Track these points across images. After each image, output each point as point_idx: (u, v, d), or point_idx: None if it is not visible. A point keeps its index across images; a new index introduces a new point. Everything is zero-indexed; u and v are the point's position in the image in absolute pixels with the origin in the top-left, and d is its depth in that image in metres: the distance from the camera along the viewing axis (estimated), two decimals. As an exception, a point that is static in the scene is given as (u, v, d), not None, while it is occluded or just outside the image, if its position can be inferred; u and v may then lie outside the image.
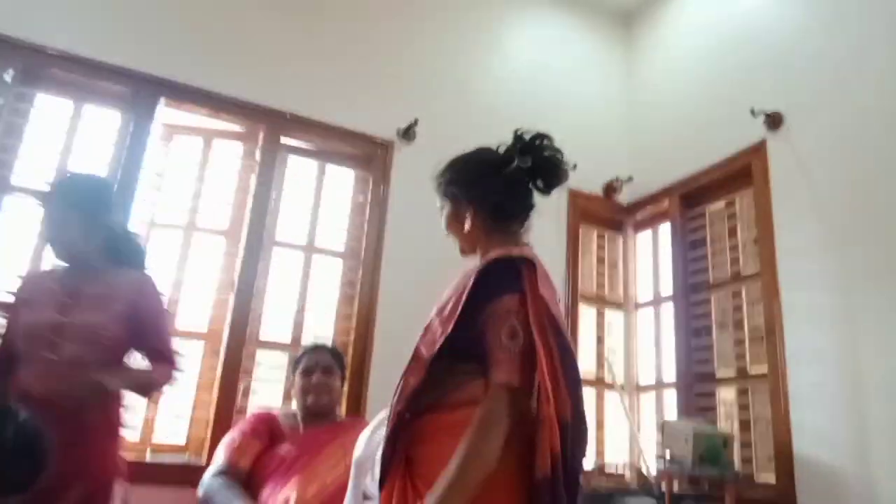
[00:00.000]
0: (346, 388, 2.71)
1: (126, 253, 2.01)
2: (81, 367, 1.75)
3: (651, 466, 3.14)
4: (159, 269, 2.67)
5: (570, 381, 1.32)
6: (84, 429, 1.73)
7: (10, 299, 1.90)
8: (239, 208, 2.90)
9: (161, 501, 2.35)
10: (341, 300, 2.99)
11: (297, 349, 2.55)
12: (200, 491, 2.09)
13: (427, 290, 1.75)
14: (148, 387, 1.93)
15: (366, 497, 1.74)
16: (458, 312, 1.34)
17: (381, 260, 2.97)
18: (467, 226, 1.51)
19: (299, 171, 3.09)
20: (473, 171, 1.53)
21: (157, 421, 2.63)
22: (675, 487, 2.84)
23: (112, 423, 1.85)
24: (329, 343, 2.62)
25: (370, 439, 1.77)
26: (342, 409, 2.71)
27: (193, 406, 2.68)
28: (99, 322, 1.83)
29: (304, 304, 2.94)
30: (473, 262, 1.45)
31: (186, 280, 2.79)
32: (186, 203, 2.86)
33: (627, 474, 3.31)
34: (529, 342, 1.30)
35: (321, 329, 2.93)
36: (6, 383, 1.76)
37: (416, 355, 1.39)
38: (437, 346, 1.34)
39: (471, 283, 1.35)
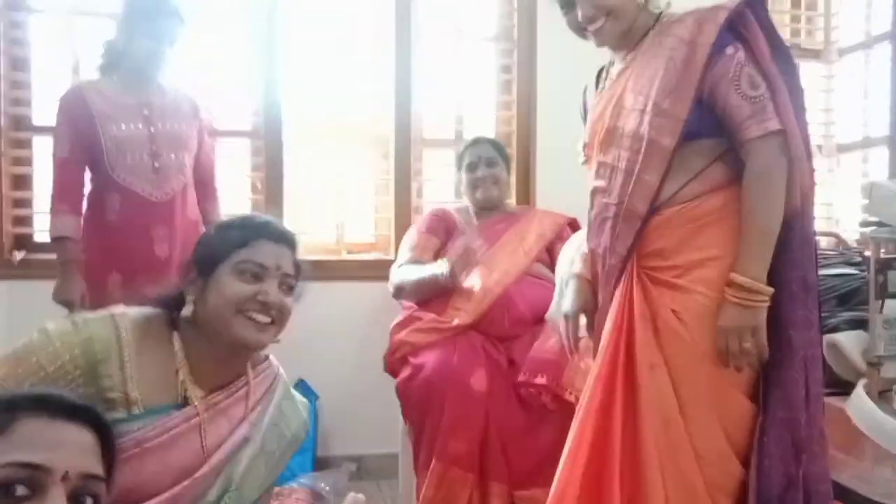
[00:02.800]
0: (513, 180, 2.70)
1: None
2: (181, 172, 2.09)
3: (852, 233, 2.88)
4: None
5: (803, 123, 1.32)
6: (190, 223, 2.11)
7: (79, 112, 2.01)
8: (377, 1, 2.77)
9: (359, 293, 2.62)
10: (498, 88, 2.88)
11: (461, 144, 2.53)
12: (393, 281, 2.28)
13: (588, 67, 1.60)
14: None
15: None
16: (695, 84, 1.28)
17: (536, 39, 2.75)
18: None
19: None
20: None
21: (346, 224, 2.85)
22: (882, 253, 2.59)
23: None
24: (490, 135, 2.58)
25: (574, 258, 1.69)
26: (512, 200, 2.73)
27: (375, 207, 2.85)
28: (183, 130, 2.11)
29: (461, 96, 2.87)
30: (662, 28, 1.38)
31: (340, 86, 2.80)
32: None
33: (822, 242, 3.08)
34: (770, 86, 1.28)
35: (482, 121, 2.87)
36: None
37: (648, 148, 1.31)
38: (679, 131, 1.29)
39: (708, 41, 1.28)
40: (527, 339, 2.03)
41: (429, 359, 1.98)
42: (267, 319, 1.17)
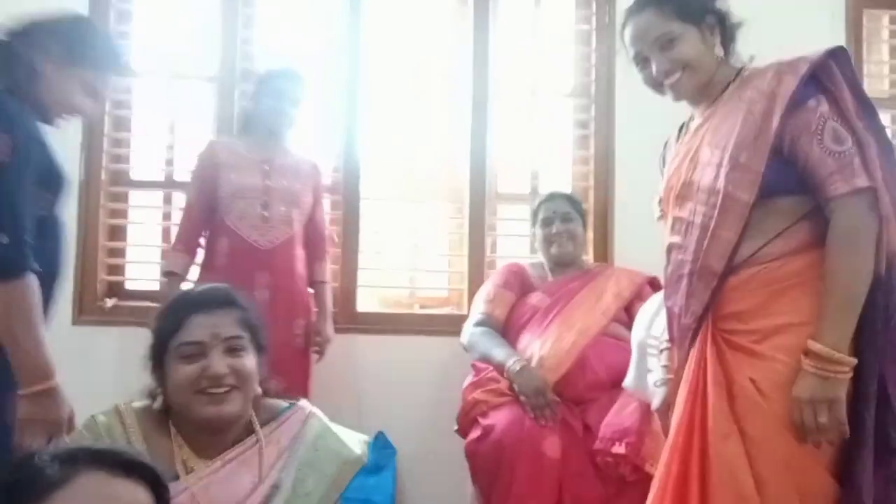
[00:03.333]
0: (590, 235, 2.63)
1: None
2: (287, 224, 2.22)
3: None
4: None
5: (893, 181, 1.23)
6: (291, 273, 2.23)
7: (207, 162, 2.24)
8: (454, 58, 2.81)
9: (431, 348, 2.59)
10: (575, 143, 2.84)
11: (536, 199, 2.50)
12: (464, 339, 2.25)
13: (667, 123, 1.55)
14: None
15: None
16: (773, 136, 1.22)
17: (615, 94, 2.72)
18: (717, 49, 1.36)
19: (512, 8, 2.86)
20: None
21: (420, 279, 2.85)
22: None
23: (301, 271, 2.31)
24: (566, 190, 2.53)
25: (652, 321, 1.68)
26: (589, 257, 2.65)
27: (448, 262, 2.83)
28: (297, 188, 2.27)
29: (537, 151, 2.85)
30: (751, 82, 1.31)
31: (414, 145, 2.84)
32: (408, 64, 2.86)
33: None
34: (857, 140, 1.20)
35: (557, 177, 2.83)
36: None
37: (724, 202, 1.25)
38: (757, 185, 1.23)
39: (788, 92, 1.22)
40: (604, 402, 1.93)
41: (499, 420, 1.90)
42: (223, 389, 1.19)
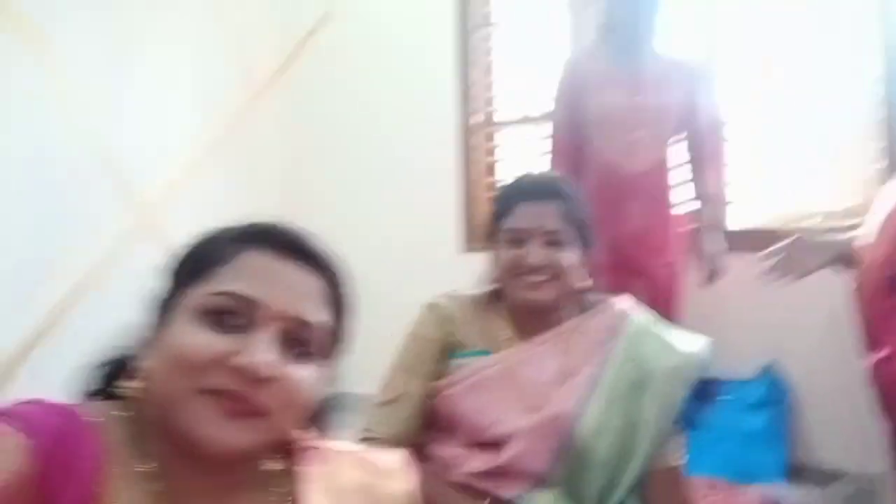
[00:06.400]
0: None
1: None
2: (655, 146, 2.03)
3: None
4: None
5: None
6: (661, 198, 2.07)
7: (566, 86, 2.10)
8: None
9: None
10: None
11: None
12: None
13: None
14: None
15: None
16: None
17: None
18: None
19: None
20: None
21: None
22: None
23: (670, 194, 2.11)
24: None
25: None
26: None
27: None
28: (664, 103, 2.02)
29: None
30: None
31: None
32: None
33: None
34: None
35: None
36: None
37: None
38: None
39: None
40: None
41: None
42: (539, 278, 1.20)
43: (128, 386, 0.65)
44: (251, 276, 0.64)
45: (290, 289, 0.64)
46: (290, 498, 0.68)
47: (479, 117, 2.86)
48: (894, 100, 2.11)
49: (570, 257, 1.24)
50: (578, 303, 1.30)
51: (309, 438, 0.70)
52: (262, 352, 0.60)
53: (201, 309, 0.62)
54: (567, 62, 2.19)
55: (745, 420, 2.12)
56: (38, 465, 0.55)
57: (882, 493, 1.70)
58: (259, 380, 0.59)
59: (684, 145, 2.11)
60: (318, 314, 0.66)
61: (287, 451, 0.69)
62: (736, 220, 2.36)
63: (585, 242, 1.29)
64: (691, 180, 2.13)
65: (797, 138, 2.36)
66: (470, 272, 2.62)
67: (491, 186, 2.88)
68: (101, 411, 0.64)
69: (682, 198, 2.14)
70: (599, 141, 2.03)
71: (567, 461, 1.19)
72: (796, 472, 2.08)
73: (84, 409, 0.64)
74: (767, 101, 2.40)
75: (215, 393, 0.59)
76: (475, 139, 2.86)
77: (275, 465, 0.69)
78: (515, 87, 2.86)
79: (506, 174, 2.88)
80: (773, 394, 2.16)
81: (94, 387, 0.69)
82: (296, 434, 0.68)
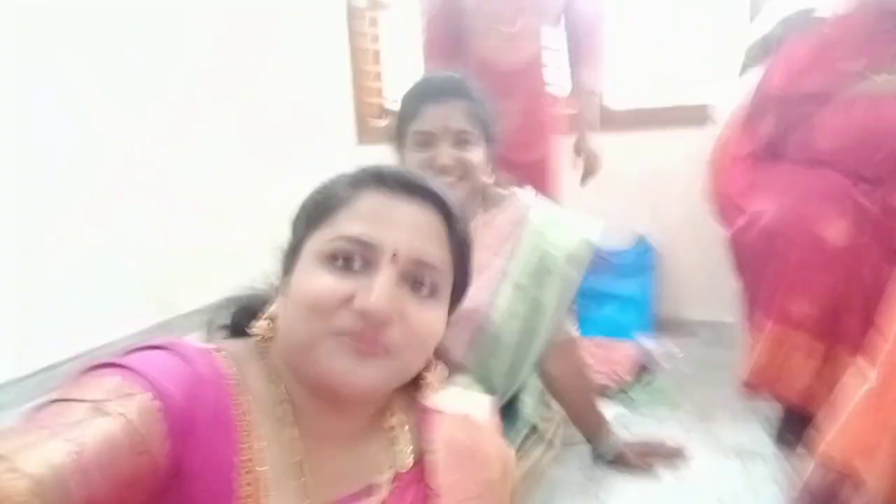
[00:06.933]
0: None
1: None
2: (533, 38, 1.90)
3: None
4: None
5: None
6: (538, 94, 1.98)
7: None
8: None
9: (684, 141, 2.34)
10: None
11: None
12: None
13: None
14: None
15: None
16: None
17: None
18: None
19: None
20: None
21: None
22: None
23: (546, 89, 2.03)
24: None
25: None
26: None
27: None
28: None
29: None
30: None
31: None
32: None
33: None
34: None
35: None
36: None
37: None
38: None
39: None
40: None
41: (769, 205, 1.64)
42: (449, 179, 1.25)
43: (260, 327, 0.66)
44: (368, 218, 0.64)
45: (407, 228, 0.64)
46: (412, 455, 0.70)
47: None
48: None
49: (477, 155, 1.29)
50: (484, 198, 1.38)
51: (432, 381, 0.71)
52: (380, 293, 0.60)
53: (324, 254, 0.63)
54: None
55: (621, 285, 2.37)
56: (170, 427, 0.55)
57: (734, 338, 2.00)
58: (381, 320, 0.60)
59: (563, 35, 2.03)
60: (436, 252, 0.65)
61: (409, 408, 0.72)
62: (614, 99, 2.48)
63: (490, 139, 1.35)
64: (569, 75, 2.07)
65: (673, 20, 2.48)
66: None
67: (378, 76, 2.83)
68: (235, 353, 0.65)
69: (558, 91, 2.08)
70: (476, 35, 1.92)
71: (479, 348, 1.31)
72: (663, 326, 2.37)
73: (217, 353, 0.64)
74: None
75: (342, 334, 0.60)
76: (359, 24, 2.75)
77: (399, 420, 0.71)
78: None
79: (393, 64, 2.83)
80: (644, 260, 2.42)
81: (226, 327, 0.72)
82: (423, 372, 0.69)
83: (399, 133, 1.34)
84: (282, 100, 2.80)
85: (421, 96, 1.31)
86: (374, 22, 2.80)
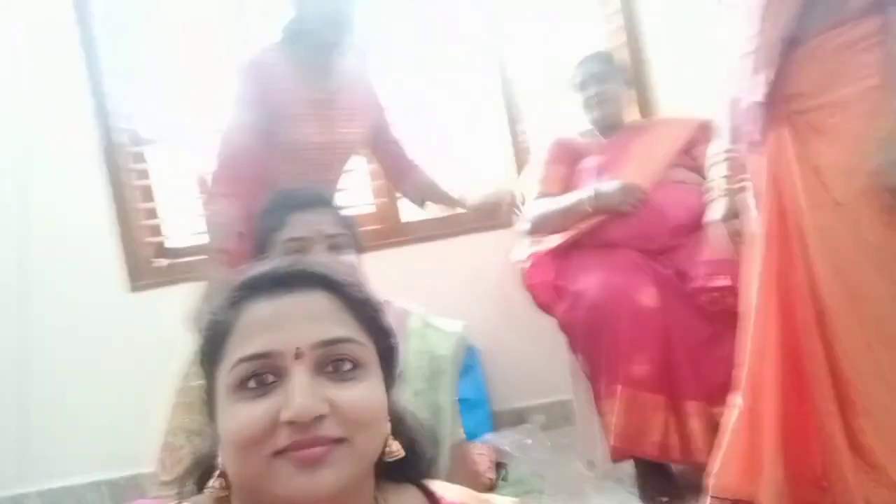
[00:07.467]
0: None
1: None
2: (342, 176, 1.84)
3: None
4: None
5: None
6: None
7: (248, 90, 1.63)
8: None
9: (486, 245, 2.51)
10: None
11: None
12: (532, 216, 2.12)
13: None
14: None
15: None
16: None
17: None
18: None
19: None
20: None
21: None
22: None
23: None
24: (600, 49, 2.42)
25: None
26: (636, 115, 2.54)
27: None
28: (357, 137, 1.80)
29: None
30: None
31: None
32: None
33: None
34: None
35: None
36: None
37: None
38: None
39: None
40: (690, 246, 1.88)
41: (589, 284, 1.86)
42: None
43: (212, 488, 0.64)
44: (258, 331, 0.62)
45: (299, 320, 0.62)
46: None
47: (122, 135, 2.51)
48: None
49: (352, 259, 1.31)
50: None
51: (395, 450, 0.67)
52: (299, 396, 0.58)
53: (233, 386, 0.61)
54: (250, 72, 1.68)
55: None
56: None
57: (571, 413, 2.15)
58: (312, 421, 0.58)
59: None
60: (338, 327, 0.63)
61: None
62: (408, 212, 2.58)
63: (358, 245, 1.37)
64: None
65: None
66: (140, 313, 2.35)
67: (153, 213, 2.58)
68: None
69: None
70: (287, 177, 1.64)
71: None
72: (502, 420, 2.44)
73: None
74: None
75: (284, 453, 0.58)
76: (123, 160, 2.50)
77: None
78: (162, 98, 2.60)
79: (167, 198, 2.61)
80: (467, 360, 2.49)
81: (190, 496, 0.68)
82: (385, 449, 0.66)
83: (267, 245, 1.30)
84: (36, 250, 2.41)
85: (288, 206, 1.32)
86: (139, 158, 2.57)
